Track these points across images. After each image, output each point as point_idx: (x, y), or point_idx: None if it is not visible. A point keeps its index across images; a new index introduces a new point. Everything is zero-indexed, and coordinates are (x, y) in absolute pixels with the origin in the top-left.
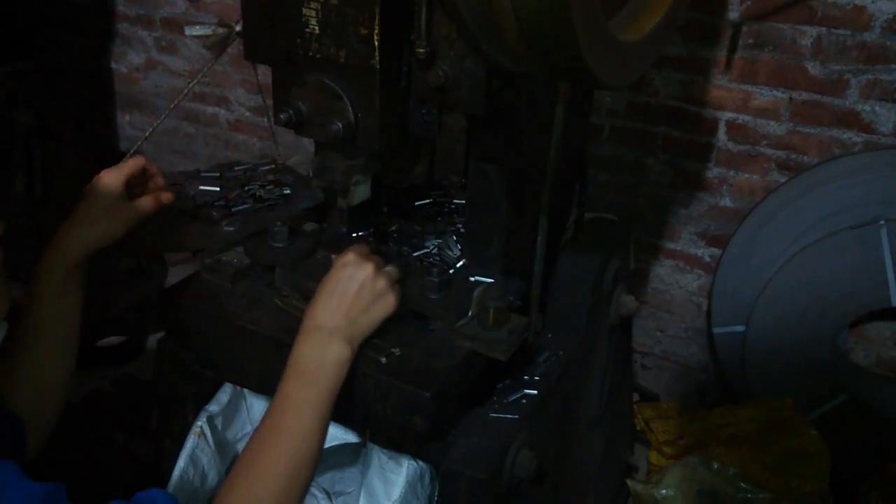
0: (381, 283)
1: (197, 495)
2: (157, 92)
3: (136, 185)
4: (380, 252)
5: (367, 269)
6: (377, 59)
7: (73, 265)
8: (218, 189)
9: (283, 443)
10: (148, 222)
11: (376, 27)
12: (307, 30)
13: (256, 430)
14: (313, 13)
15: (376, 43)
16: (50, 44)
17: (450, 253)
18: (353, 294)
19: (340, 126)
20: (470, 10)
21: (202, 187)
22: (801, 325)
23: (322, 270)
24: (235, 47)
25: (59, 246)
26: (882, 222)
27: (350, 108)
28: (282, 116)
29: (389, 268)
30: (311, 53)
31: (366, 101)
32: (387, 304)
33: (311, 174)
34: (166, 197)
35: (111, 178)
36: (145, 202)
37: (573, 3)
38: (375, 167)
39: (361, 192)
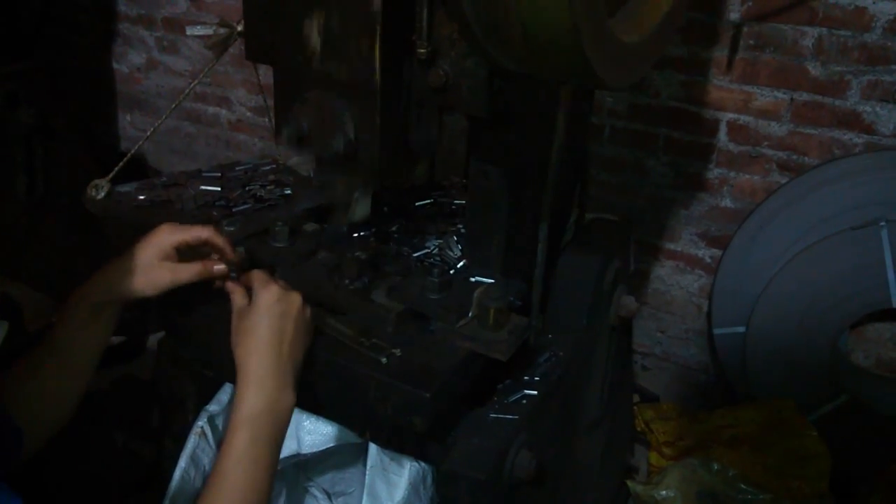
0: (308, 310)
1: (198, 494)
2: (159, 92)
3: (193, 250)
4: (381, 252)
5: (297, 301)
6: (378, 77)
7: (97, 307)
8: (219, 189)
9: (240, 498)
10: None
11: (377, 45)
12: (308, 46)
13: (210, 481)
14: (314, 30)
15: (377, 61)
16: (51, 44)
17: (450, 253)
18: (291, 333)
19: (341, 143)
20: (474, 11)
21: (203, 187)
22: (801, 327)
23: (322, 270)
24: (236, 47)
25: (89, 284)
26: (883, 223)
27: (351, 125)
28: (283, 133)
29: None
30: (312, 70)
31: (366, 119)
32: (312, 331)
33: (311, 174)
34: (219, 269)
35: (164, 238)
36: (189, 269)
37: (577, 3)
38: (376, 184)
39: (362, 208)
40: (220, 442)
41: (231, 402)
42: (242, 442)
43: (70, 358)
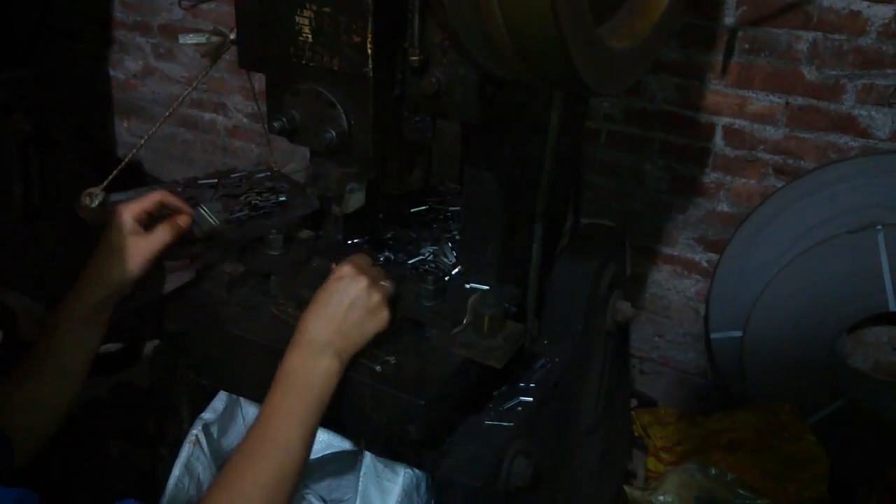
0: (375, 298)
1: (191, 503)
2: (155, 98)
3: (156, 219)
4: (376, 259)
5: (361, 284)
6: (370, 67)
7: (90, 309)
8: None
9: (268, 454)
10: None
11: (369, 35)
12: (300, 38)
13: (242, 440)
14: (306, 21)
15: (369, 51)
16: (47, 51)
17: (445, 260)
18: (345, 308)
19: (334, 134)
20: (461, 22)
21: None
22: (798, 330)
23: (318, 278)
24: (233, 54)
25: (77, 288)
26: (879, 227)
27: (344, 116)
28: (275, 124)
29: (385, 283)
30: (304, 61)
31: (359, 109)
32: (379, 320)
33: (305, 181)
34: (183, 221)
35: (121, 216)
36: (159, 232)
37: (562, 13)
38: (370, 175)
39: (356, 199)
40: (214, 451)
41: (226, 410)
42: (277, 394)
43: (65, 364)
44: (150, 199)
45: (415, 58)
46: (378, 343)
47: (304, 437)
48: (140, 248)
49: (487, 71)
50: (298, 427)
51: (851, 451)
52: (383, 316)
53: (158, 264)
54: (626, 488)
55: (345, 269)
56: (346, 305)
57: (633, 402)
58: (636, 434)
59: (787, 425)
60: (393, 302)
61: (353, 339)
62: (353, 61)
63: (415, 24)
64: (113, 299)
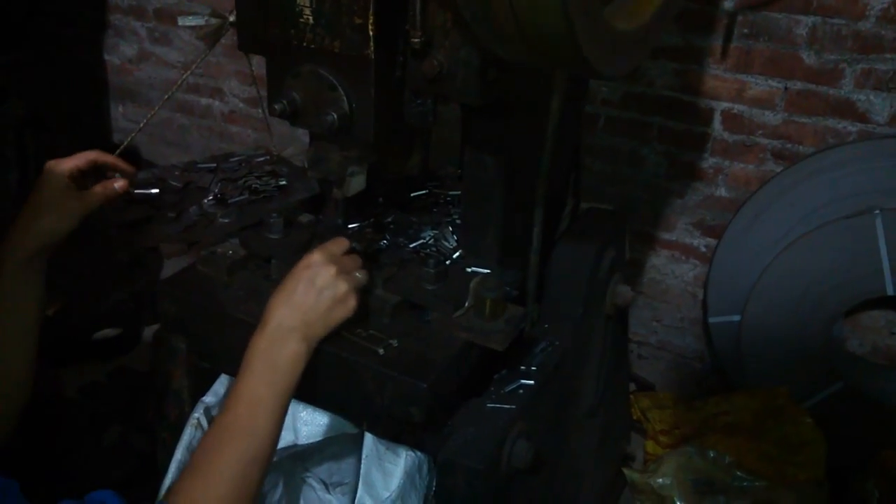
0: (342, 288)
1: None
2: (151, 83)
3: (89, 177)
4: (377, 243)
5: (329, 272)
6: (372, 48)
7: (23, 259)
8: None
9: (236, 439)
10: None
11: (371, 17)
12: (301, 20)
13: (210, 426)
14: (307, 3)
15: (371, 32)
16: (42, 35)
17: (446, 244)
18: (312, 297)
19: (335, 116)
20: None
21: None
22: (796, 315)
23: None
24: (229, 38)
25: (7, 240)
26: (877, 212)
27: (345, 99)
28: (276, 107)
29: (358, 273)
30: (305, 44)
31: (360, 92)
32: (346, 308)
33: (305, 165)
34: (120, 185)
35: (54, 171)
36: (93, 193)
37: None
38: (371, 157)
39: (357, 182)
40: None
41: (226, 394)
42: (243, 379)
43: (16, 325)
44: (84, 157)
45: (416, 40)
46: (381, 325)
47: (272, 420)
48: (74, 204)
49: (491, 53)
50: (265, 411)
51: (848, 435)
52: (349, 305)
53: (154, 249)
54: (625, 471)
55: (314, 258)
56: (314, 293)
57: (632, 386)
58: (635, 417)
59: (785, 409)
60: (365, 290)
61: (318, 328)
62: (354, 43)
63: (416, 6)
64: (43, 254)
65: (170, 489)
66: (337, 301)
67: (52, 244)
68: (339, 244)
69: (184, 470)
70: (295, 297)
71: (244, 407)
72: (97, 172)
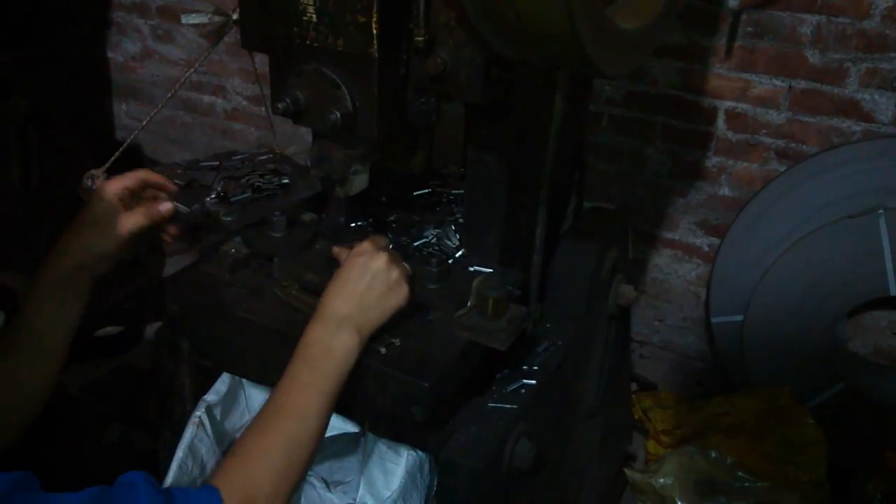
0: (395, 273)
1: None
2: (154, 81)
3: (138, 198)
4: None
5: (381, 259)
6: (375, 47)
7: (59, 277)
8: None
9: (285, 423)
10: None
11: (374, 14)
12: (304, 18)
13: (260, 410)
14: (311, 1)
15: (374, 31)
16: (45, 33)
17: (449, 243)
18: (365, 283)
19: (338, 115)
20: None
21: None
22: (799, 315)
23: (321, 260)
24: (232, 36)
25: (55, 255)
26: (881, 211)
27: (348, 97)
28: (279, 106)
29: (404, 263)
30: (308, 42)
31: (364, 90)
32: (400, 294)
33: (308, 163)
34: (165, 208)
35: (105, 190)
36: (134, 216)
37: None
38: (374, 156)
39: (360, 181)
40: (218, 433)
41: (229, 392)
42: (296, 365)
43: (41, 339)
44: (134, 177)
45: (420, 38)
46: (384, 326)
47: (323, 408)
48: (123, 225)
49: (494, 51)
50: (315, 398)
51: (850, 435)
52: (403, 291)
53: (154, 248)
54: (627, 471)
55: (364, 246)
56: (367, 280)
57: (634, 386)
58: (636, 417)
59: (787, 409)
60: (412, 281)
61: (373, 314)
62: (357, 41)
63: (420, 4)
64: (87, 272)
65: (216, 466)
66: (390, 288)
67: (91, 264)
68: (381, 239)
69: (231, 450)
70: (349, 284)
71: (294, 392)
72: (148, 196)
